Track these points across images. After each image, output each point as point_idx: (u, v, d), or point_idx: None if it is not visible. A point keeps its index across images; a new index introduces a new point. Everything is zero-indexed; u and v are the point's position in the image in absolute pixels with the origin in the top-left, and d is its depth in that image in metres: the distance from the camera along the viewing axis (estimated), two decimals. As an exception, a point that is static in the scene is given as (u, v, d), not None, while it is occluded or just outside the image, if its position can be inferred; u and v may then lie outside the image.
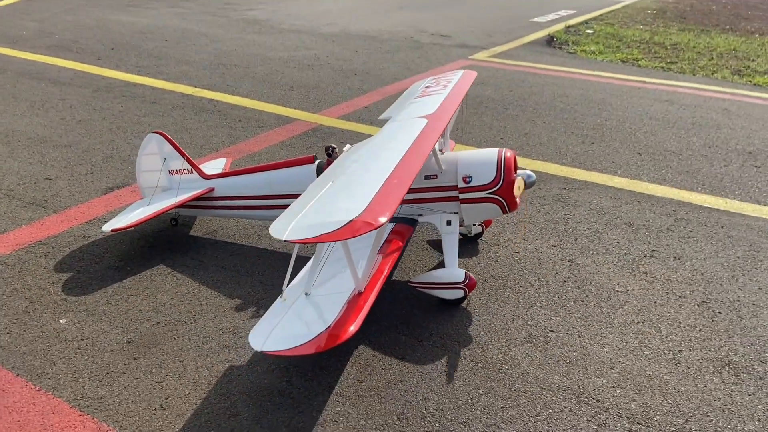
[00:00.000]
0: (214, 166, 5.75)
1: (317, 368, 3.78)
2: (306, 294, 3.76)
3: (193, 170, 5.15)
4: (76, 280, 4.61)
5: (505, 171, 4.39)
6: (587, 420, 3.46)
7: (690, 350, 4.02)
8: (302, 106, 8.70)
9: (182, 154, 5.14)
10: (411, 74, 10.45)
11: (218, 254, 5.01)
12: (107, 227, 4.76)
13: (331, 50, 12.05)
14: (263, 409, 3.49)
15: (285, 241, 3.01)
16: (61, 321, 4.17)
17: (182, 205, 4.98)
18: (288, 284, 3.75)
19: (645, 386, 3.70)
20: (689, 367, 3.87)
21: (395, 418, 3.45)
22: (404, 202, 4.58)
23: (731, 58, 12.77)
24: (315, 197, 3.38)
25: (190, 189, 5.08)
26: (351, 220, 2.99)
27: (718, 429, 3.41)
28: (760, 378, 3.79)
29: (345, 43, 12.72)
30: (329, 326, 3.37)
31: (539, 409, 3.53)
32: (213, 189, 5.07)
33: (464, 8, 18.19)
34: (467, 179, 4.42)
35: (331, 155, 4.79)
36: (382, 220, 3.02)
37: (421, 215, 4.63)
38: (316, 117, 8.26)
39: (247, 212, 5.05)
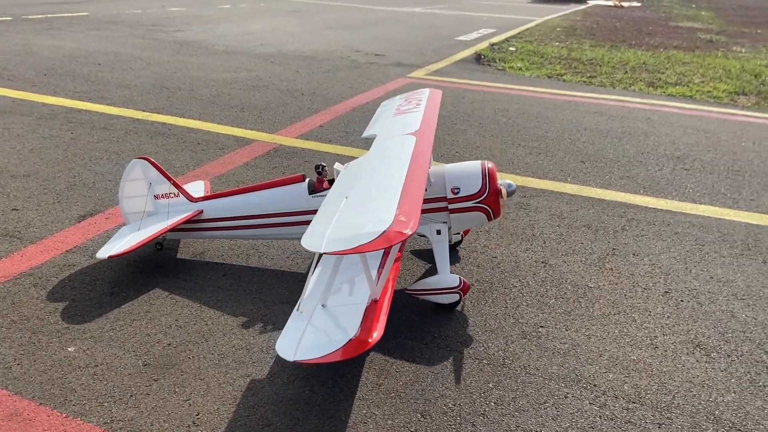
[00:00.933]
0: (194, 189, 5.83)
1: (336, 376, 3.99)
2: (323, 305, 3.96)
3: (180, 194, 5.24)
4: (74, 309, 4.61)
5: (490, 181, 4.75)
6: (589, 403, 3.83)
7: (663, 335, 4.50)
8: (257, 126, 8.84)
9: (168, 178, 5.23)
10: (355, 93, 10.76)
11: (211, 275, 5.12)
12: (102, 254, 4.78)
13: (272, 71, 12.20)
14: (294, 418, 3.66)
15: (323, 253, 3.23)
16: (69, 349, 4.18)
17: (173, 229, 5.05)
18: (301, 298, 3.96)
19: (632, 369, 4.13)
20: (666, 350, 4.33)
21: (419, 416, 3.70)
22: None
23: (643, 71, 13.84)
24: (335, 212, 3.60)
25: (178, 212, 5.16)
26: (384, 231, 3.24)
27: (702, 402, 3.86)
28: (728, 355, 4.29)
29: (284, 64, 12.90)
30: (355, 334, 3.59)
31: (545, 397, 3.88)
32: (202, 211, 5.18)
33: (391, 28, 18.76)
34: (455, 190, 4.76)
35: (321, 173, 5.01)
36: (412, 228, 3.29)
37: (411, 227, 4.91)
38: (274, 137, 8.43)
39: (236, 233, 5.18)
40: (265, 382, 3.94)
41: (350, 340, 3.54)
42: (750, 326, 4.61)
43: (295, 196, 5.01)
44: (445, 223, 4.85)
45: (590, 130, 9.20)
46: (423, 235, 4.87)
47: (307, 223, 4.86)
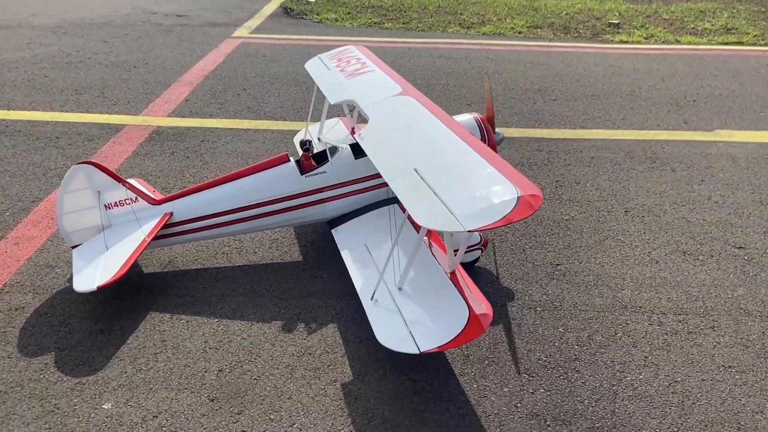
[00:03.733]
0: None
1: (419, 360, 3.75)
2: (399, 289, 3.71)
3: (139, 197, 4.44)
4: (68, 359, 3.74)
5: (487, 131, 4.76)
6: (649, 324, 4.15)
7: (653, 250, 4.98)
8: (113, 109, 7.68)
9: (122, 182, 4.38)
10: (193, 60, 9.82)
11: (203, 284, 4.47)
12: (86, 285, 3.90)
13: (74, 43, 10.56)
14: (415, 410, 3.45)
15: (469, 231, 3.02)
16: (105, 406, 3.41)
17: (154, 239, 4.28)
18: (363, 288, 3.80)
19: (656, 286, 4.54)
20: (666, 263, 4.82)
21: (526, 376, 3.71)
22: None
23: (444, 13, 14.51)
24: (428, 189, 3.35)
25: (145, 219, 4.38)
26: (519, 197, 3.11)
27: (726, 300, 4.40)
28: (711, 256, 4.91)
29: (81, 34, 11.22)
30: (469, 310, 3.44)
31: (612, 328, 4.11)
32: (171, 214, 4.45)
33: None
34: None
35: (308, 149, 4.58)
36: (538, 189, 3.19)
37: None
38: (144, 119, 7.41)
39: (218, 231, 4.55)
40: (358, 382, 3.63)
41: (470, 317, 3.39)
42: (707, 227, 5.30)
43: (285, 178, 4.53)
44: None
45: (448, 74, 9.50)
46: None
47: (303, 206, 4.51)
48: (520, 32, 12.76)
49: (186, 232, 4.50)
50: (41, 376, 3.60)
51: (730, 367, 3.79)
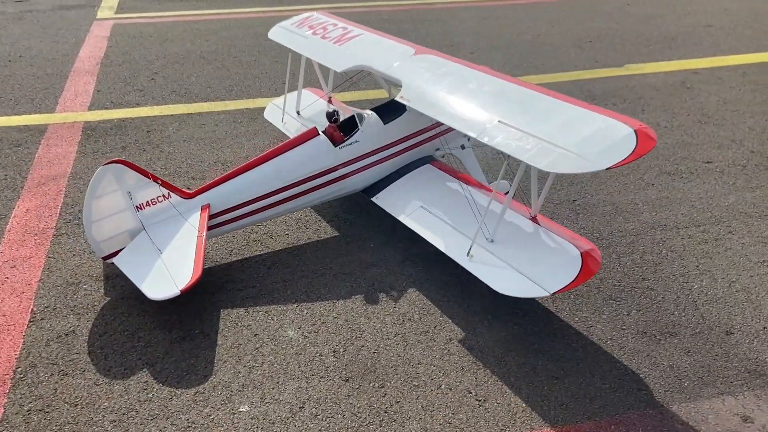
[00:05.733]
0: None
1: (515, 312, 3.88)
2: (491, 241, 3.79)
3: (172, 193, 4.06)
4: (171, 372, 3.40)
5: None
6: (680, 238, 4.61)
7: (643, 174, 5.48)
8: (21, 109, 6.76)
9: (154, 178, 3.98)
10: (74, 48, 8.87)
11: (256, 274, 4.22)
12: (165, 292, 3.52)
13: None
14: (540, 350, 3.59)
15: (607, 169, 3.16)
16: (242, 409, 3.17)
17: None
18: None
19: (664, 205, 5.02)
20: (661, 185, 5.33)
21: (613, 303, 3.99)
22: (427, 141, 4.72)
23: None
24: (534, 137, 3.42)
25: (185, 213, 4.03)
26: (636, 130, 3.28)
27: (722, 207, 4.99)
28: (691, 173, 5.50)
29: None
30: (578, 245, 3.61)
31: (656, 246, 4.52)
32: (209, 206, 4.13)
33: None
34: None
35: (336, 120, 4.44)
36: (645, 125, 3.38)
37: (438, 149, 4.82)
38: (65, 116, 6.62)
39: (257, 217, 4.29)
40: (472, 336, 3.70)
41: (583, 254, 3.56)
42: (673, 149, 5.90)
43: (319, 153, 4.37)
44: (465, 136, 4.87)
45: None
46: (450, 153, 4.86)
47: (340, 179, 4.40)
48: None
49: (227, 222, 4.19)
50: (150, 395, 3.24)
51: (764, 262, 4.34)
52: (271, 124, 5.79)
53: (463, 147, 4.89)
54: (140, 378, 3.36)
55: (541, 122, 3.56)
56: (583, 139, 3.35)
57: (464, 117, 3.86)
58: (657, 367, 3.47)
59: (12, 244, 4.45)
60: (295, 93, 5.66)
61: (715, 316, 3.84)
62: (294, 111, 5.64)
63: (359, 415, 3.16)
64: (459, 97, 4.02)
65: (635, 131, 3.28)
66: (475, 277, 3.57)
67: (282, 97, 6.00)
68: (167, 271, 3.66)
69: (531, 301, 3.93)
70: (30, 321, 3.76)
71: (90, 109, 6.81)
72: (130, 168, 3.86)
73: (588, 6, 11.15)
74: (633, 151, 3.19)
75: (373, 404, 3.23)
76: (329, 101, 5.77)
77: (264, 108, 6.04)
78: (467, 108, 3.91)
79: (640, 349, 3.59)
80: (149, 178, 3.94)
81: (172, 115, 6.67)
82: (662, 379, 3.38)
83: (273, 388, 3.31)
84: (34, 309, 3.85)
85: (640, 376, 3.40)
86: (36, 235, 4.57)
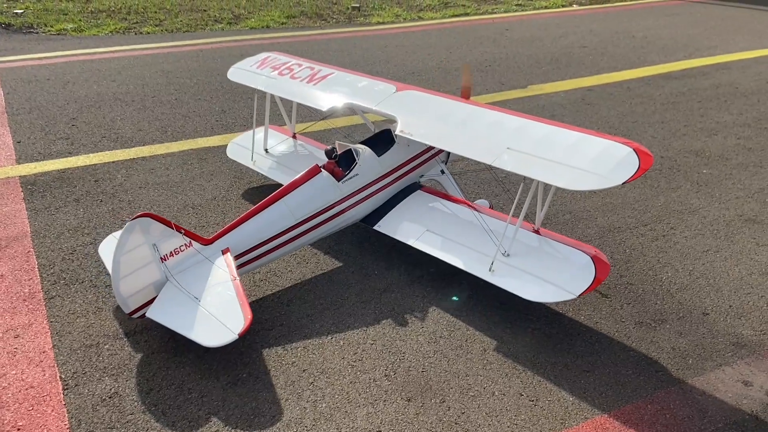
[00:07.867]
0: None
1: (532, 317, 4.31)
2: (507, 255, 4.20)
3: (193, 241, 4.08)
4: (250, 417, 3.44)
5: None
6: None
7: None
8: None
9: (177, 228, 3.99)
10: None
11: (277, 312, 4.31)
12: (222, 338, 3.55)
13: None
14: (568, 351, 4.04)
15: (623, 185, 3.65)
16: (329, 445, 3.31)
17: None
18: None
19: (613, 207, 5.72)
20: (600, 190, 6.04)
21: (628, 286, 4.54)
22: (414, 169, 5.07)
23: (190, 11, 14.10)
24: (545, 160, 3.87)
25: (211, 259, 4.07)
26: (634, 149, 3.80)
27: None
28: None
29: None
30: (585, 251, 4.11)
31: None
32: (228, 249, 4.19)
33: None
34: None
35: (335, 156, 4.67)
36: (637, 144, 3.92)
37: (422, 176, 5.19)
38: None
39: (272, 255, 4.40)
40: (503, 346, 4.05)
41: (592, 257, 4.06)
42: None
43: (325, 188, 4.58)
44: (444, 162, 5.29)
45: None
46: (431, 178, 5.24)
47: (343, 212, 4.64)
48: (283, 23, 13.13)
49: (246, 263, 4.27)
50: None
51: (707, 251, 5.11)
52: (229, 163, 5.85)
53: (442, 172, 5.27)
54: (210, 428, 3.38)
55: (546, 147, 4.02)
56: (593, 159, 3.83)
57: (475, 146, 4.24)
58: (662, 350, 4.02)
59: (4, 314, 4.20)
60: (259, 130, 5.78)
61: (689, 301, 4.50)
62: (262, 149, 5.75)
63: (434, 430, 3.41)
64: (462, 128, 4.40)
65: (634, 150, 3.83)
66: (486, 291, 3.95)
67: (242, 135, 6.09)
68: (214, 317, 3.69)
69: (541, 307, 4.36)
70: (64, 389, 3.61)
71: (19, 162, 6.42)
72: (155, 220, 3.84)
73: (470, 32, 12.04)
74: (638, 168, 3.73)
75: (442, 418, 3.48)
76: (293, 137, 5.94)
77: (210, 148, 6.17)
78: (474, 138, 4.30)
79: (642, 337, 4.14)
80: (173, 228, 3.93)
81: (114, 162, 6.47)
82: (671, 360, 3.94)
83: (344, 418, 3.47)
84: (61, 377, 3.70)
85: (653, 359, 3.94)
86: (25, 300, 4.34)
